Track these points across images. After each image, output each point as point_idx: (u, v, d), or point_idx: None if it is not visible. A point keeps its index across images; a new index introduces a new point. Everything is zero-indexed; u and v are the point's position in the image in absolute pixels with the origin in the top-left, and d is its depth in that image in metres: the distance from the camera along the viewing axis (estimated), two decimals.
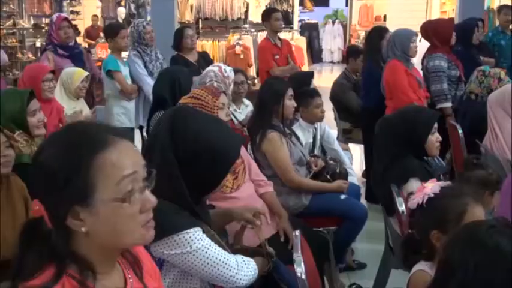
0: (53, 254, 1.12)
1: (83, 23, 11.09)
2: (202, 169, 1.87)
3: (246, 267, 1.95)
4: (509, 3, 6.80)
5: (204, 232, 1.85)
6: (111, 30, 5.11)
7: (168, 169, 1.85)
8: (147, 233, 1.18)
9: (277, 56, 5.80)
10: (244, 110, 4.40)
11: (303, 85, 4.20)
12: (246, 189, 2.79)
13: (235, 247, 1.98)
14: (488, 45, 5.86)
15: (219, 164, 1.90)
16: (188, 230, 1.80)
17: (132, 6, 10.14)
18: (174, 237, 1.81)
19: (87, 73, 4.27)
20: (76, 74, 4.19)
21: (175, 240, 1.81)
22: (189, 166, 1.86)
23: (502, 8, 6.61)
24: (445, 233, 1.78)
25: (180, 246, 1.81)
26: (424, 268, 1.82)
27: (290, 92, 3.43)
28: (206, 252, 1.82)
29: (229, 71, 3.88)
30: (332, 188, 3.39)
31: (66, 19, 5.02)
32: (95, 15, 11.26)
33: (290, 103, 3.43)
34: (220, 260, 1.86)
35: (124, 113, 5.00)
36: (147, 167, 1.16)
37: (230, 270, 1.88)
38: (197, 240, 1.81)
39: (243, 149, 2.96)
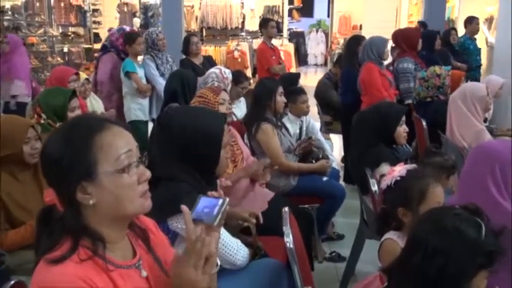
0: (68, 230, 1.12)
1: (104, 32, 10.99)
2: (198, 152, 1.90)
3: (243, 251, 1.95)
4: (471, 15, 6.84)
5: None
6: (130, 38, 5.08)
7: (170, 159, 1.90)
8: (145, 201, 1.19)
9: (273, 57, 5.91)
10: (239, 104, 4.46)
11: (291, 84, 4.21)
12: None
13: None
14: (447, 51, 5.91)
15: (209, 143, 1.92)
16: None
17: (141, 17, 10.04)
18: None
19: (85, 76, 4.21)
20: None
21: None
22: (188, 153, 1.89)
23: (472, 18, 6.72)
24: (410, 209, 1.79)
25: None
26: (393, 237, 1.82)
27: (280, 89, 3.43)
28: None
29: (227, 72, 3.90)
30: (316, 167, 3.42)
31: None
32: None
33: (281, 99, 3.43)
34: (223, 239, 1.86)
35: (139, 108, 5.01)
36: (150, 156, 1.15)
37: (230, 250, 1.89)
38: None
39: (241, 142, 2.99)
